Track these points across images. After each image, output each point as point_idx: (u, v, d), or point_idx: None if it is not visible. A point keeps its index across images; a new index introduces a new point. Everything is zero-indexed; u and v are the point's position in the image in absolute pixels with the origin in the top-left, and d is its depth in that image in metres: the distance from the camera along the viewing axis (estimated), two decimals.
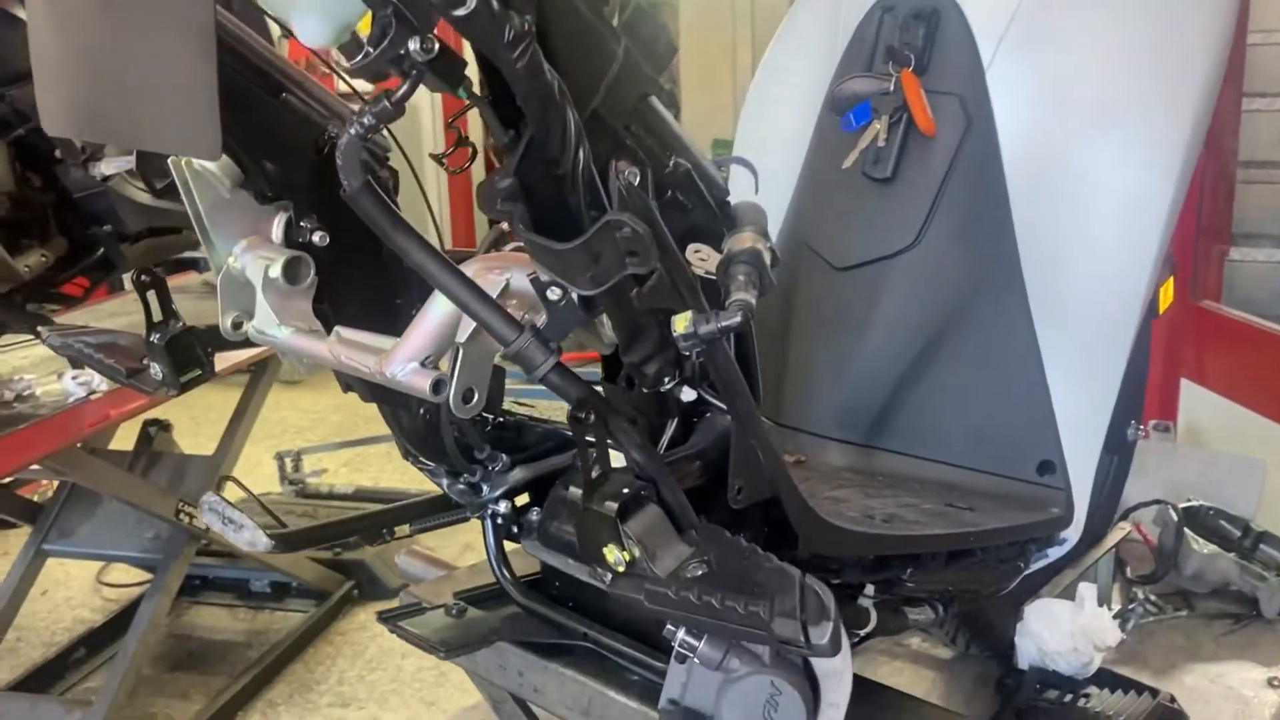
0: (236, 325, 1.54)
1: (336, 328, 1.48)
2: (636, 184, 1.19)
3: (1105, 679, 2.25)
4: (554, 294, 1.22)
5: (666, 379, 1.32)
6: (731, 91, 7.99)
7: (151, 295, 1.63)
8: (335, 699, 3.70)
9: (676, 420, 1.41)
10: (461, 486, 1.74)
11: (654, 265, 1.09)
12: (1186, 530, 2.98)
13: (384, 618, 1.79)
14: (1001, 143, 1.95)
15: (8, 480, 3.65)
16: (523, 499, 1.76)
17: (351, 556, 4.24)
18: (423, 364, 1.34)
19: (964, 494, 1.87)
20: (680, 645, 1.35)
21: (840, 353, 2.07)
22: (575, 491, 1.47)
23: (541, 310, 1.27)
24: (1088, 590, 2.25)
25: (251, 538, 1.76)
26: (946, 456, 1.96)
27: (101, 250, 3.04)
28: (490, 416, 1.68)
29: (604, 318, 1.30)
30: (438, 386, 1.32)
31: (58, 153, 2.74)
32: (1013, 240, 1.93)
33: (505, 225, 1.73)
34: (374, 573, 4.23)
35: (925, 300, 2.00)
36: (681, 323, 1.16)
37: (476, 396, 1.34)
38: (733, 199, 1.37)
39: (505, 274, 1.31)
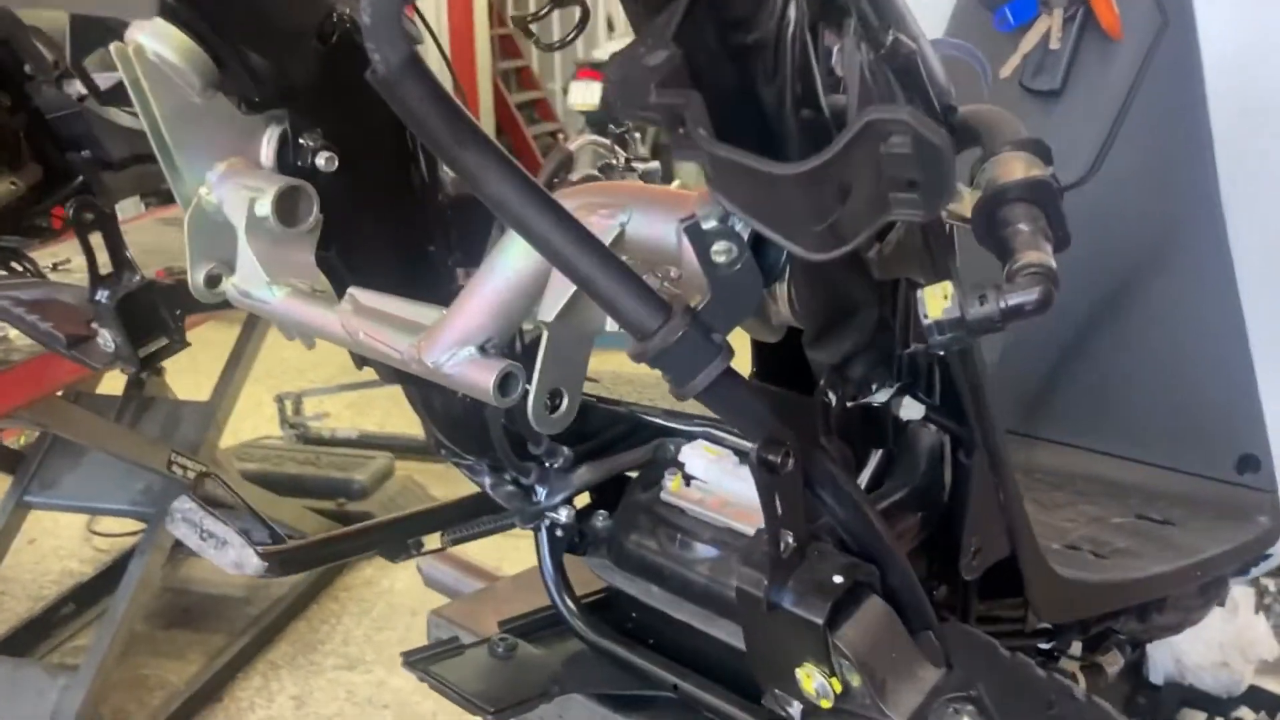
0: (212, 281, 1.12)
1: (350, 289, 1.02)
2: None
3: (1260, 699, 1.87)
4: (722, 251, 0.67)
5: (875, 386, 0.78)
6: None
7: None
8: (341, 660, 3.36)
9: (884, 453, 0.86)
10: (510, 488, 1.28)
11: (941, 206, 0.56)
12: None
13: (411, 661, 1.29)
14: (1204, 49, 1.55)
15: None
16: (582, 497, 1.31)
17: (356, 508, 3.84)
18: (481, 350, 0.87)
19: (1149, 498, 1.48)
20: None
21: None
22: (653, 496, 1.08)
23: (665, 273, 0.75)
24: (1241, 595, 1.83)
25: (238, 558, 1.28)
26: (1122, 449, 1.59)
27: (81, 178, 2.62)
28: None
29: (777, 288, 0.76)
30: (506, 384, 0.83)
31: (28, 68, 2.38)
32: (1214, 175, 1.56)
33: (572, 146, 1.26)
34: None
35: (1099, 250, 1.58)
36: (937, 302, 0.64)
37: (566, 402, 0.83)
38: None
39: (618, 214, 0.77)
